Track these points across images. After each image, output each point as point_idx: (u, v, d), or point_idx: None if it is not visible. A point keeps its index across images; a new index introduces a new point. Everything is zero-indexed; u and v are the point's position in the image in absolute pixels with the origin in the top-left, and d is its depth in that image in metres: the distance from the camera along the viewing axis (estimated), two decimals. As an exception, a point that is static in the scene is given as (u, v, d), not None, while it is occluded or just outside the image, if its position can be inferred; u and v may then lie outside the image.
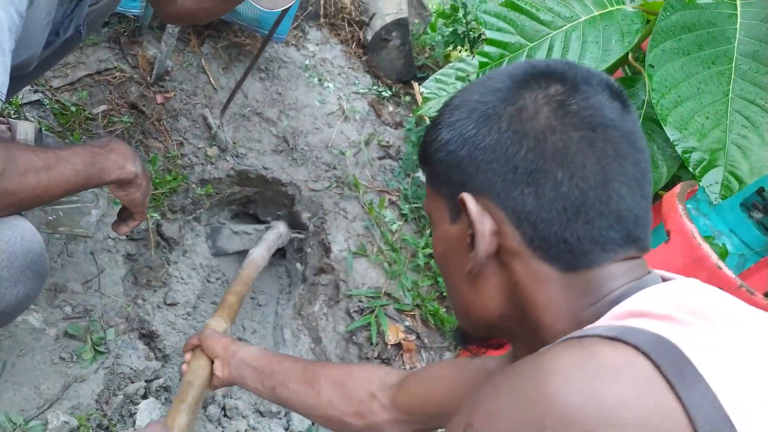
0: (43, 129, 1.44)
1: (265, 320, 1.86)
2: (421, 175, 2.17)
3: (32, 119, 1.58)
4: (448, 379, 0.92)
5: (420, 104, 2.32)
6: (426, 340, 1.79)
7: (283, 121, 2.07)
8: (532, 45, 1.65)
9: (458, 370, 0.92)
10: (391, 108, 2.37)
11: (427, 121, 2.29)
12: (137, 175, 1.09)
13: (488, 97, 0.59)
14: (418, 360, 1.75)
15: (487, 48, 1.65)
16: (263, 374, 1.09)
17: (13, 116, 1.53)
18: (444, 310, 1.84)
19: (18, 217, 0.93)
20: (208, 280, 1.77)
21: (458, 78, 1.97)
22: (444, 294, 1.87)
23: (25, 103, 1.60)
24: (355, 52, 2.47)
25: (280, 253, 2.09)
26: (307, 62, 2.29)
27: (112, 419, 1.28)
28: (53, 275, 1.41)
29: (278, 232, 1.91)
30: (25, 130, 1.27)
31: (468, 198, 0.58)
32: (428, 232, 2.00)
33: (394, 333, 1.75)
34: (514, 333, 0.63)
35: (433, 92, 2.00)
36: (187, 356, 1.27)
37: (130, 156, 1.08)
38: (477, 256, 0.58)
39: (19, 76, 0.91)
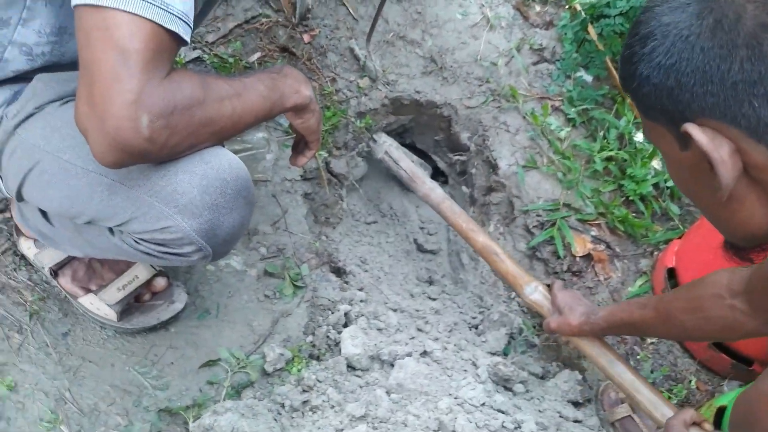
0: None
1: (439, 248, 1.83)
2: (584, 75, 1.97)
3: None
4: None
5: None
6: (617, 249, 1.65)
7: (427, 41, 1.97)
8: None
9: None
10: (538, 8, 2.16)
11: (582, 14, 2.05)
12: (311, 100, 1.07)
13: (678, 16, 0.53)
14: (612, 270, 1.62)
15: None
16: (624, 330, 1.26)
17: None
18: (633, 215, 1.67)
19: (220, 147, 0.94)
20: (380, 213, 1.76)
21: (619, -47, 1.73)
22: (630, 198, 1.70)
23: (188, 61, 1.66)
24: (489, -45, 2.27)
25: (441, 180, 2.03)
26: (441, -25, 2.15)
27: (320, 348, 1.33)
28: (243, 220, 1.47)
29: (389, 143, 1.78)
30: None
31: (693, 129, 0.53)
32: (601, 134, 1.82)
33: (581, 244, 1.63)
34: None
35: (590, -25, 1.77)
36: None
37: (303, 80, 1.06)
38: (723, 183, 0.54)
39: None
